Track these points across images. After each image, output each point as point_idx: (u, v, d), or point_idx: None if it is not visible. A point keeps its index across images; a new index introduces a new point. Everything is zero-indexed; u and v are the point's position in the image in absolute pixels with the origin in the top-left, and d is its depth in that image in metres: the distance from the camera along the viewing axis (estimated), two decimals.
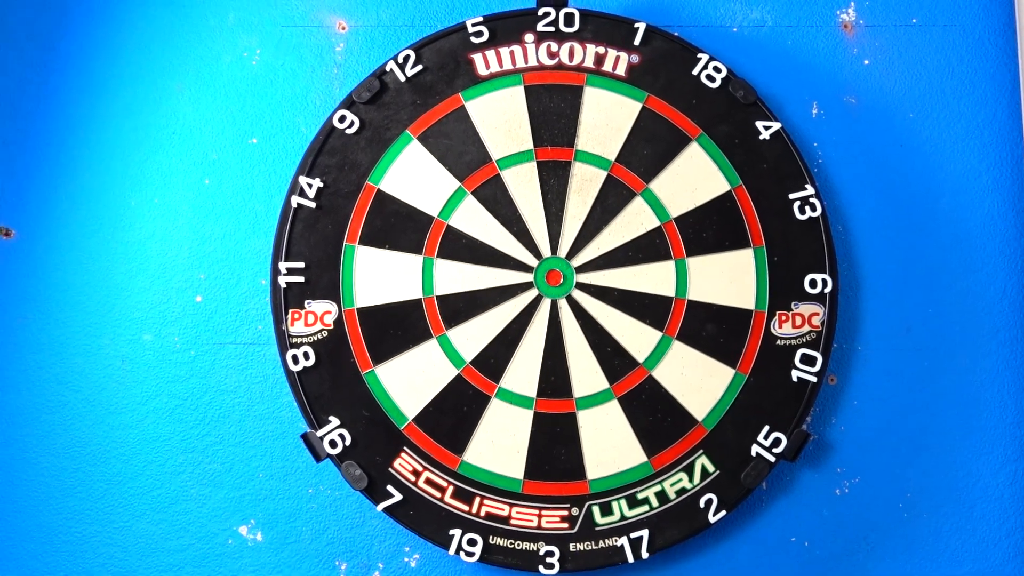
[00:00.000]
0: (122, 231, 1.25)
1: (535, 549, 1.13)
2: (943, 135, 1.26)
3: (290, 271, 1.17)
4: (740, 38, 1.27)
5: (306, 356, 1.15)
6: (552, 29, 1.20)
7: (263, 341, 1.22)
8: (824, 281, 1.17)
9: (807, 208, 1.18)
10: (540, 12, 1.20)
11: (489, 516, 1.14)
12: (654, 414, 1.15)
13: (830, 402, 1.21)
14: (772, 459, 1.15)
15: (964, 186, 1.25)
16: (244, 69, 1.27)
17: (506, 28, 1.21)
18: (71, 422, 1.22)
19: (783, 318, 1.17)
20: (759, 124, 1.20)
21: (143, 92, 1.27)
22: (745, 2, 1.28)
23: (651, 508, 1.14)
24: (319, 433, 1.15)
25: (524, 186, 1.19)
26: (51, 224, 1.25)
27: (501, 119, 1.20)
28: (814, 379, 1.16)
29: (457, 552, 1.13)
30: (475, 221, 1.18)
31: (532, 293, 1.18)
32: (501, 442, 1.15)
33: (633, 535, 1.13)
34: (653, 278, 1.17)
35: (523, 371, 1.16)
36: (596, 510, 1.14)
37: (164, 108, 1.27)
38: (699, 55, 1.20)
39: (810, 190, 1.18)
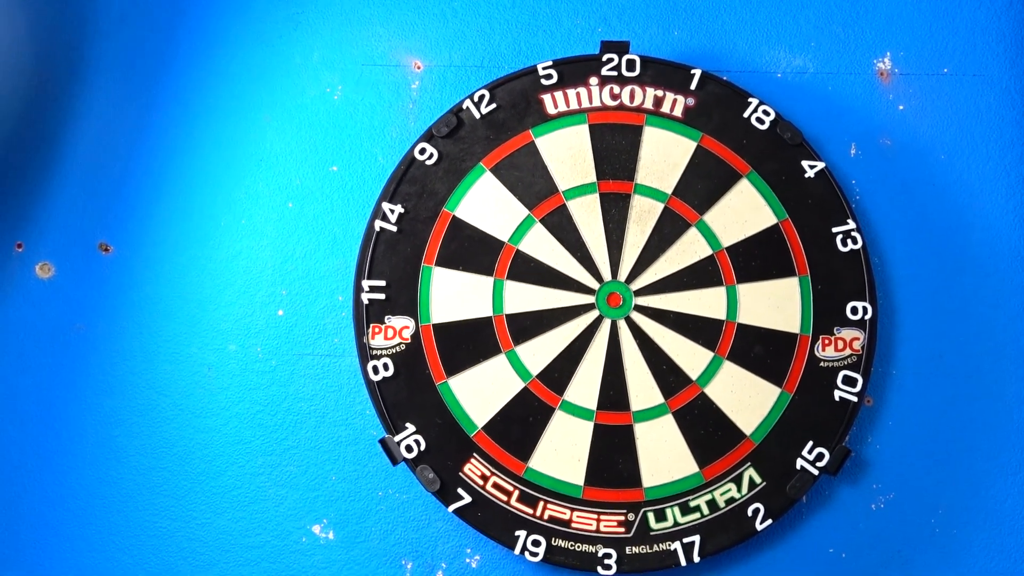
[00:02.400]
0: (211, 249, 1.31)
1: (594, 551, 1.18)
2: (972, 175, 1.31)
3: (372, 288, 1.23)
4: (784, 83, 1.33)
5: (385, 367, 1.21)
6: (615, 73, 1.27)
7: (339, 353, 1.27)
8: (864, 308, 1.22)
9: (849, 241, 1.24)
10: (604, 58, 1.27)
11: (552, 519, 1.19)
12: (706, 428, 1.21)
13: (867, 422, 1.25)
14: (815, 472, 1.19)
15: (992, 223, 1.30)
16: (326, 103, 1.33)
17: (573, 71, 1.27)
18: (159, 425, 1.27)
19: (826, 342, 1.22)
20: (805, 163, 1.26)
21: (234, 123, 1.33)
22: (789, 50, 1.34)
23: (702, 515, 1.19)
24: (396, 439, 1.20)
25: (588, 215, 1.25)
26: (147, 242, 1.31)
27: (567, 154, 1.26)
28: (855, 399, 1.21)
29: (522, 552, 1.18)
30: (542, 247, 1.24)
31: (594, 314, 1.24)
32: (564, 451, 1.20)
33: (686, 540, 1.18)
34: (706, 302, 1.23)
35: (585, 385, 1.22)
36: (651, 516, 1.19)
37: (253, 138, 1.33)
38: (750, 99, 1.27)
39: (852, 224, 1.24)
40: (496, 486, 1.20)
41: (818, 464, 1.20)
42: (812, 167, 1.26)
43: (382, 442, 1.21)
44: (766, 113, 1.27)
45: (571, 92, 1.28)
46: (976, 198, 1.31)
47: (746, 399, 1.21)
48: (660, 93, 1.28)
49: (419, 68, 1.34)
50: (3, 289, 1.30)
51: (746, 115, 1.27)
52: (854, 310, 1.23)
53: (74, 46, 1.34)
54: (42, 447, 1.28)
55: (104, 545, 1.26)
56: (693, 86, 1.28)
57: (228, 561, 1.25)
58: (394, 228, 1.25)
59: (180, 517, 1.26)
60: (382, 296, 1.23)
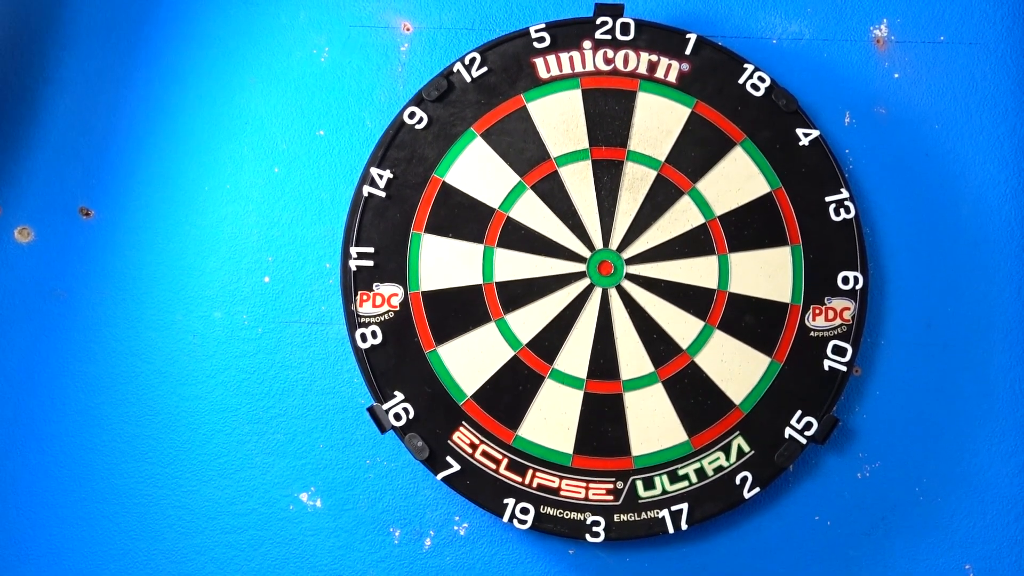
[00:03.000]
0: (195, 214, 1.29)
1: (582, 519, 1.18)
2: (966, 146, 1.30)
3: (360, 255, 1.22)
4: (779, 49, 1.32)
5: (374, 335, 1.20)
6: (609, 37, 1.25)
7: (326, 320, 1.26)
8: (856, 278, 1.22)
9: (842, 210, 1.23)
10: (598, 21, 1.26)
11: (540, 487, 1.19)
12: (695, 397, 1.21)
13: (854, 392, 1.26)
14: (803, 441, 1.20)
15: (984, 193, 1.30)
16: (313, 65, 1.31)
17: (566, 35, 1.25)
18: (144, 392, 1.26)
19: (816, 311, 1.22)
20: (799, 131, 1.25)
21: (218, 85, 1.30)
22: (785, 15, 1.32)
23: (690, 483, 1.20)
24: (385, 407, 1.20)
25: (579, 183, 1.24)
26: (129, 206, 1.29)
27: (559, 119, 1.25)
28: (844, 368, 1.21)
29: (511, 520, 1.18)
30: (533, 214, 1.23)
31: (585, 282, 1.23)
32: (553, 419, 1.20)
33: (674, 508, 1.19)
34: (697, 271, 1.23)
35: (575, 354, 1.21)
36: (639, 484, 1.20)
37: (237, 100, 1.30)
38: (745, 65, 1.26)
39: (845, 194, 1.24)
40: (485, 454, 1.20)
41: (806, 433, 1.21)
42: (807, 135, 1.26)
43: (370, 410, 1.21)
44: (761, 80, 1.26)
45: (564, 56, 1.26)
46: (969, 168, 1.31)
47: (736, 368, 1.22)
48: (654, 58, 1.26)
49: (408, 30, 1.32)
50: None
51: (741, 81, 1.26)
52: (845, 280, 1.23)
53: (54, 5, 1.31)
54: (24, 415, 1.27)
55: (89, 513, 1.25)
56: (688, 51, 1.26)
57: (215, 529, 1.25)
58: (383, 194, 1.24)
59: (166, 485, 1.26)
60: (370, 263, 1.22)
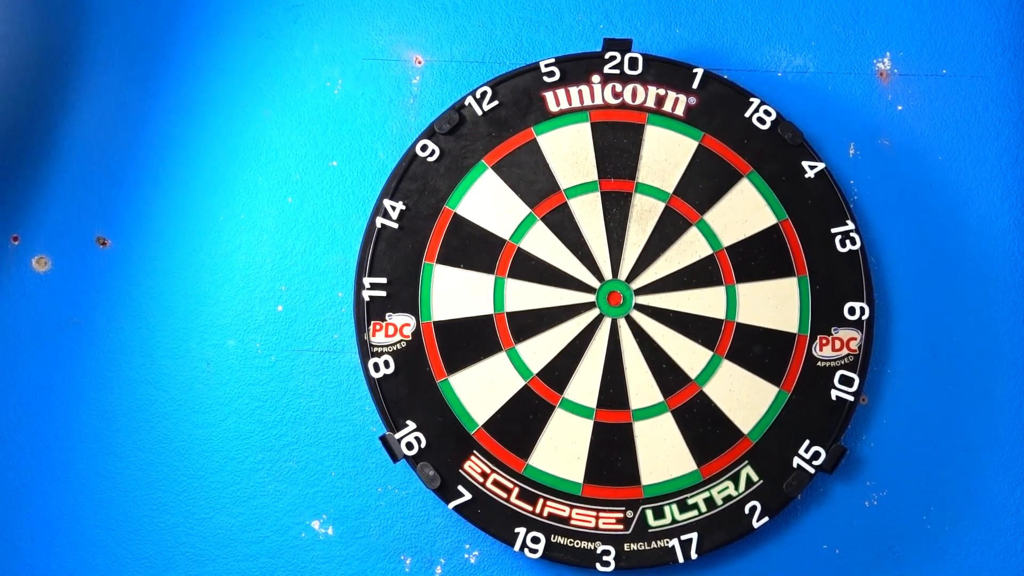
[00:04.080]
0: (210, 244, 1.29)
1: (593, 548, 1.18)
2: (969, 177, 1.31)
3: (373, 286, 1.22)
4: (784, 82, 1.33)
5: (386, 364, 1.21)
6: (617, 71, 1.27)
7: (339, 349, 1.27)
8: (862, 308, 1.23)
9: (847, 241, 1.24)
10: (607, 55, 1.27)
11: (551, 516, 1.19)
12: (704, 426, 1.21)
13: (862, 420, 1.26)
14: (812, 471, 1.20)
15: (988, 224, 1.30)
16: (326, 97, 1.32)
17: (576, 69, 1.27)
18: (158, 420, 1.26)
19: (824, 341, 1.22)
20: (805, 164, 1.26)
21: (233, 116, 1.31)
22: (789, 49, 1.34)
23: (700, 513, 1.19)
24: (397, 436, 1.20)
25: (589, 214, 1.25)
26: (144, 236, 1.29)
27: (569, 152, 1.26)
28: (851, 398, 1.21)
29: (522, 549, 1.18)
30: (543, 245, 1.24)
31: (594, 312, 1.24)
32: (563, 448, 1.20)
33: (683, 537, 1.19)
34: (705, 301, 1.23)
35: (585, 384, 1.21)
36: (649, 513, 1.19)
37: (252, 131, 1.31)
38: (751, 99, 1.27)
39: (851, 225, 1.24)
40: (496, 483, 1.20)
41: (814, 462, 1.21)
42: (812, 167, 1.26)
43: (383, 439, 1.21)
44: (767, 113, 1.27)
45: (573, 90, 1.27)
46: (972, 199, 1.32)
47: (744, 398, 1.22)
48: (662, 92, 1.27)
49: (420, 63, 1.33)
50: None
51: (747, 115, 1.27)
52: (851, 310, 1.23)
53: (72, 37, 1.33)
54: (40, 443, 1.27)
55: (103, 540, 1.25)
56: (695, 85, 1.27)
57: (227, 556, 1.25)
58: (395, 225, 1.24)
59: (179, 512, 1.25)
60: (383, 293, 1.23)
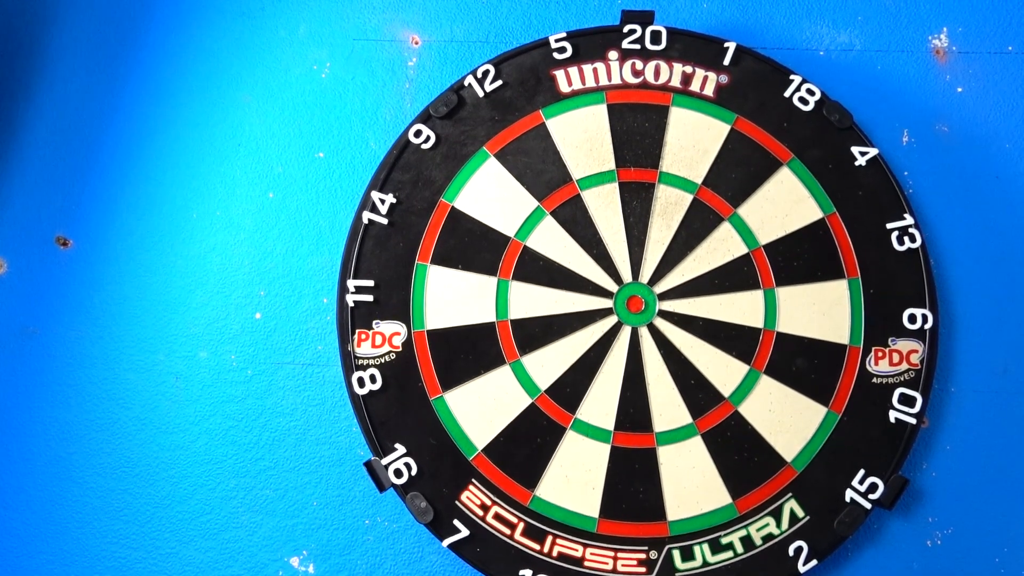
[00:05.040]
0: (182, 244, 1.24)
1: None
2: None
3: (358, 289, 1.16)
4: (827, 61, 1.26)
5: (372, 379, 1.13)
6: (638, 47, 1.20)
7: (323, 362, 1.20)
8: (924, 316, 1.14)
9: (906, 239, 1.16)
10: (625, 29, 1.20)
11: (561, 556, 1.11)
12: (740, 453, 1.13)
13: (922, 447, 1.17)
14: (868, 506, 1.11)
15: None
16: (313, 82, 1.27)
17: (590, 44, 1.20)
18: (120, 440, 1.21)
19: (879, 354, 1.14)
20: (855, 150, 1.18)
21: (209, 102, 1.28)
22: (833, 25, 1.27)
23: (736, 554, 1.11)
24: (384, 461, 1.12)
25: (605, 208, 1.17)
26: (109, 235, 1.24)
27: (583, 138, 1.19)
28: (913, 420, 1.12)
29: None
30: (553, 243, 1.17)
31: (612, 320, 1.15)
32: (576, 477, 1.12)
33: None
34: (740, 308, 1.15)
35: (601, 402, 1.14)
36: (676, 554, 1.11)
37: (230, 119, 1.27)
38: (792, 76, 1.19)
39: (909, 220, 1.16)
40: (498, 517, 1.12)
41: (871, 496, 1.11)
42: (863, 154, 1.18)
43: (367, 465, 1.14)
44: (810, 93, 1.19)
45: (587, 68, 1.20)
46: None
47: (787, 420, 1.13)
48: (689, 69, 1.20)
49: (416, 43, 1.28)
50: None
51: (787, 94, 1.19)
52: (912, 318, 1.15)
53: (35, 16, 1.29)
54: None
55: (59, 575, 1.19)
56: (727, 61, 1.20)
57: None
58: (384, 221, 1.18)
59: (142, 547, 1.19)
60: (370, 298, 1.16)
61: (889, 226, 1.16)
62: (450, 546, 1.11)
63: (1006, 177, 1.22)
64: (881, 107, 1.25)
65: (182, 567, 1.17)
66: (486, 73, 1.19)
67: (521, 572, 1.10)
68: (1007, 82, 1.25)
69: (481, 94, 1.19)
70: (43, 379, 1.21)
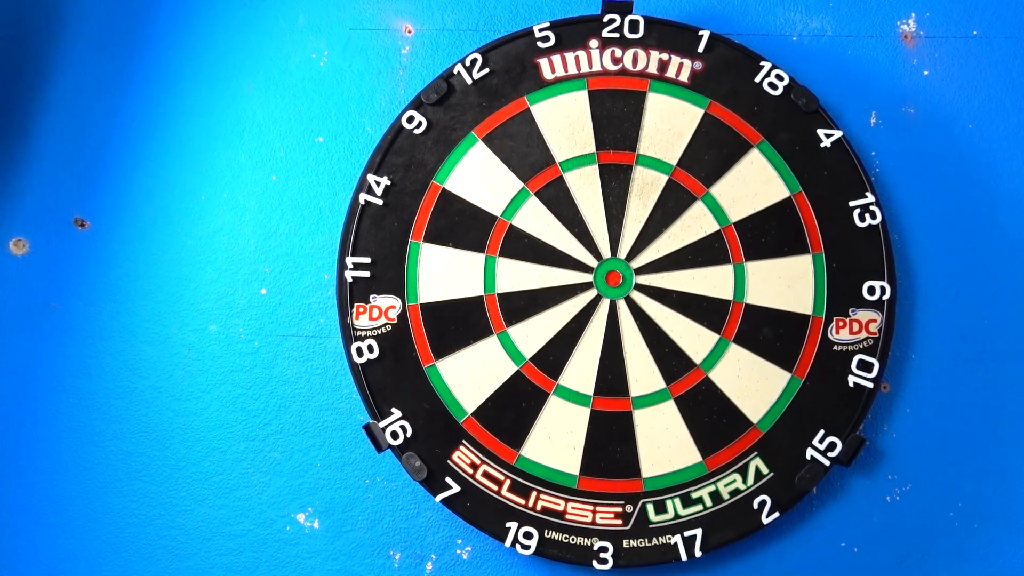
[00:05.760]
0: (192, 224, 1.26)
1: (589, 544, 1.13)
2: (1002, 147, 1.25)
3: (356, 266, 1.19)
4: (800, 47, 1.27)
5: (370, 349, 1.17)
6: (617, 35, 1.21)
7: (324, 334, 1.24)
8: (883, 288, 1.17)
9: (867, 215, 1.18)
10: (606, 19, 1.21)
11: (545, 510, 1.15)
12: (710, 415, 1.16)
13: (883, 409, 1.21)
14: (827, 463, 1.15)
15: (1022, 197, 1.24)
16: (312, 70, 1.28)
17: (572, 34, 1.22)
18: (138, 407, 1.24)
19: (840, 324, 1.16)
20: (820, 132, 1.20)
21: (215, 91, 1.28)
22: (806, 11, 1.28)
23: (705, 508, 1.14)
24: (381, 424, 1.16)
25: (586, 188, 1.20)
26: (124, 217, 1.27)
27: (565, 122, 1.21)
28: (871, 385, 1.16)
29: (513, 545, 1.14)
30: (537, 221, 1.19)
31: (591, 293, 1.19)
32: (558, 438, 1.16)
33: (687, 533, 1.14)
34: (711, 281, 1.18)
35: (581, 369, 1.17)
36: (650, 508, 1.15)
37: (235, 106, 1.28)
38: (762, 63, 1.21)
39: (870, 198, 1.18)
40: (486, 475, 1.16)
41: (830, 454, 1.15)
42: (828, 136, 1.20)
43: (366, 428, 1.18)
44: (779, 78, 1.21)
45: (570, 56, 1.22)
46: (1005, 170, 1.25)
47: (753, 385, 1.16)
48: (665, 57, 1.21)
49: (410, 32, 1.30)
50: None
51: (758, 80, 1.21)
52: (871, 290, 1.17)
53: (49, 11, 1.31)
54: (16, 431, 1.25)
55: (81, 532, 1.23)
56: (701, 49, 1.22)
57: (209, 551, 1.22)
58: (380, 202, 1.20)
59: (160, 504, 1.23)
60: (367, 274, 1.19)
61: (851, 204, 1.18)
62: (443, 501, 1.15)
63: (968, 156, 1.25)
64: (851, 90, 1.25)
65: (197, 523, 1.22)
66: (474, 62, 1.21)
67: (508, 524, 1.14)
68: (971, 65, 1.26)
69: (469, 81, 1.21)
70: (65, 351, 1.24)
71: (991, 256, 1.23)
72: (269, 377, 1.24)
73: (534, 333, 1.18)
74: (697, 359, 1.17)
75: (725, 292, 1.18)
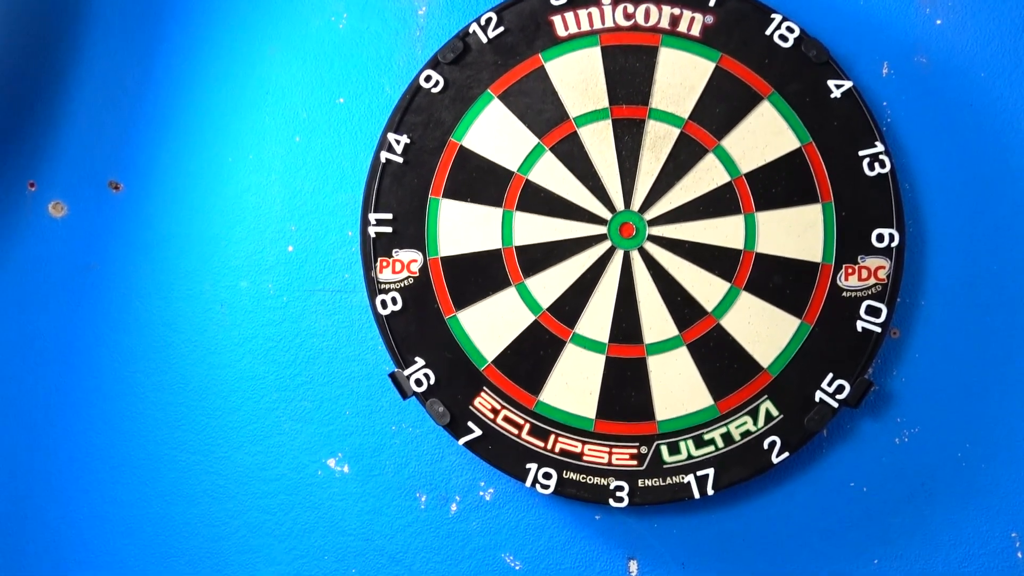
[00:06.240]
0: (220, 185, 1.29)
1: (606, 484, 1.18)
2: (1014, 95, 1.24)
3: (379, 222, 1.21)
4: None
5: (394, 301, 1.20)
6: None
7: (349, 288, 1.27)
8: (891, 236, 1.18)
9: (876, 165, 1.18)
10: None
11: (563, 452, 1.18)
12: (721, 360, 1.18)
13: (892, 355, 1.22)
14: (835, 405, 1.17)
15: None
16: (332, 33, 1.29)
17: None
18: (175, 361, 1.29)
19: (849, 271, 1.18)
20: (831, 83, 1.20)
21: (239, 56, 1.30)
22: None
23: (717, 448, 1.17)
24: (406, 373, 1.20)
25: (600, 143, 1.21)
26: (156, 179, 1.30)
27: (579, 79, 1.22)
28: (878, 330, 1.17)
29: (533, 485, 1.18)
30: (552, 176, 1.21)
31: (606, 244, 1.21)
32: (575, 384, 1.19)
33: (699, 473, 1.17)
34: (723, 231, 1.19)
35: (596, 318, 1.20)
36: (664, 449, 1.18)
37: (258, 70, 1.29)
38: (772, 15, 1.21)
39: (880, 147, 1.18)
40: (507, 419, 1.19)
41: (838, 396, 1.18)
42: (839, 87, 1.20)
43: (392, 376, 1.21)
44: (790, 30, 1.21)
45: (582, 13, 1.22)
46: (1017, 120, 1.25)
47: (763, 331, 1.18)
48: (677, 11, 1.22)
49: None
50: (18, 229, 1.31)
51: (768, 33, 1.21)
52: (880, 237, 1.18)
53: None
54: (61, 385, 1.30)
55: (126, 478, 1.29)
56: (712, 3, 1.21)
57: (246, 494, 1.28)
58: (400, 160, 1.23)
59: (199, 451, 1.28)
60: (389, 229, 1.22)
61: (861, 153, 1.18)
62: (466, 444, 1.18)
63: (979, 104, 1.24)
64: (862, 40, 1.24)
65: (234, 468, 1.27)
66: (489, 20, 1.22)
67: (528, 466, 1.18)
68: (983, 13, 1.24)
69: (485, 40, 1.22)
70: (104, 308, 1.29)
71: (1001, 204, 1.24)
72: (298, 330, 1.28)
73: (550, 284, 1.20)
74: (709, 307, 1.19)
75: (736, 242, 1.20)
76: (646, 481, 1.18)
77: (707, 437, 1.18)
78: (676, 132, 1.21)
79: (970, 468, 1.22)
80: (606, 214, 1.22)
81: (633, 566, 1.24)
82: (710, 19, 1.22)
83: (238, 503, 1.28)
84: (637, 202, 1.21)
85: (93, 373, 1.30)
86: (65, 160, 1.31)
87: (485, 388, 1.20)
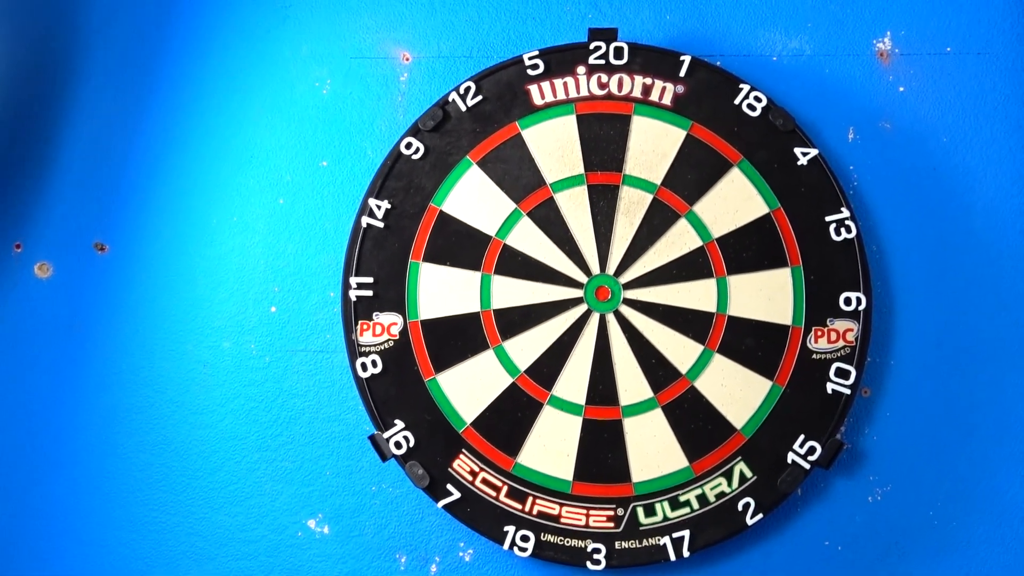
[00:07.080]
0: (204, 247, 1.31)
1: (583, 546, 1.18)
2: (975, 159, 1.28)
3: (360, 285, 1.23)
4: (780, 67, 1.31)
5: (374, 364, 1.22)
6: (603, 62, 1.25)
7: (331, 349, 1.28)
8: (858, 299, 1.20)
9: (843, 230, 1.21)
10: (592, 46, 1.25)
11: (541, 514, 1.19)
12: (696, 422, 1.20)
13: (864, 414, 1.24)
14: (807, 466, 1.18)
15: (996, 208, 1.27)
16: (316, 97, 1.32)
17: (560, 61, 1.26)
18: (157, 421, 1.29)
19: (819, 333, 1.20)
20: (797, 151, 1.23)
21: (225, 119, 1.33)
22: (785, 32, 1.31)
23: (692, 510, 1.19)
24: (385, 435, 1.21)
25: (575, 208, 1.24)
26: (141, 240, 1.32)
27: (555, 146, 1.25)
28: (848, 391, 1.19)
29: (511, 547, 1.18)
30: (530, 240, 1.24)
31: (582, 308, 1.23)
32: (552, 446, 1.20)
33: (675, 535, 1.18)
34: (696, 295, 1.22)
35: (573, 380, 1.21)
36: (640, 511, 1.19)
37: (243, 133, 1.32)
38: (741, 85, 1.25)
39: (845, 213, 1.22)
40: (485, 481, 1.20)
41: (809, 458, 1.19)
42: (805, 154, 1.24)
43: (371, 439, 1.22)
44: (757, 99, 1.25)
45: (558, 82, 1.26)
46: (979, 182, 1.28)
47: (737, 392, 1.20)
48: (649, 81, 1.26)
49: (408, 60, 1.34)
50: (3, 289, 1.32)
51: (737, 102, 1.25)
52: (847, 300, 1.21)
53: (67, 46, 1.35)
54: (43, 444, 1.30)
55: (105, 539, 1.28)
56: (683, 73, 1.26)
57: (226, 555, 1.27)
58: (381, 224, 1.25)
59: (179, 512, 1.28)
60: (370, 293, 1.23)
61: (828, 219, 1.21)
62: (445, 507, 1.19)
63: (943, 168, 1.27)
64: (829, 107, 1.28)
65: (213, 529, 1.26)
66: (468, 89, 1.25)
67: (506, 528, 1.18)
68: (945, 81, 1.29)
69: (464, 108, 1.25)
70: (87, 368, 1.29)
71: (965, 265, 1.26)
72: (280, 391, 1.28)
73: (528, 347, 1.22)
74: (683, 369, 1.21)
75: (709, 305, 1.22)
76: (623, 543, 1.18)
77: (683, 499, 1.19)
78: (649, 198, 1.24)
79: (942, 525, 1.23)
80: (582, 278, 1.24)
81: None
82: (681, 89, 1.25)
83: (217, 565, 1.27)
84: (612, 266, 1.23)
85: (76, 433, 1.30)
86: (51, 222, 1.33)
87: (464, 450, 1.21)
